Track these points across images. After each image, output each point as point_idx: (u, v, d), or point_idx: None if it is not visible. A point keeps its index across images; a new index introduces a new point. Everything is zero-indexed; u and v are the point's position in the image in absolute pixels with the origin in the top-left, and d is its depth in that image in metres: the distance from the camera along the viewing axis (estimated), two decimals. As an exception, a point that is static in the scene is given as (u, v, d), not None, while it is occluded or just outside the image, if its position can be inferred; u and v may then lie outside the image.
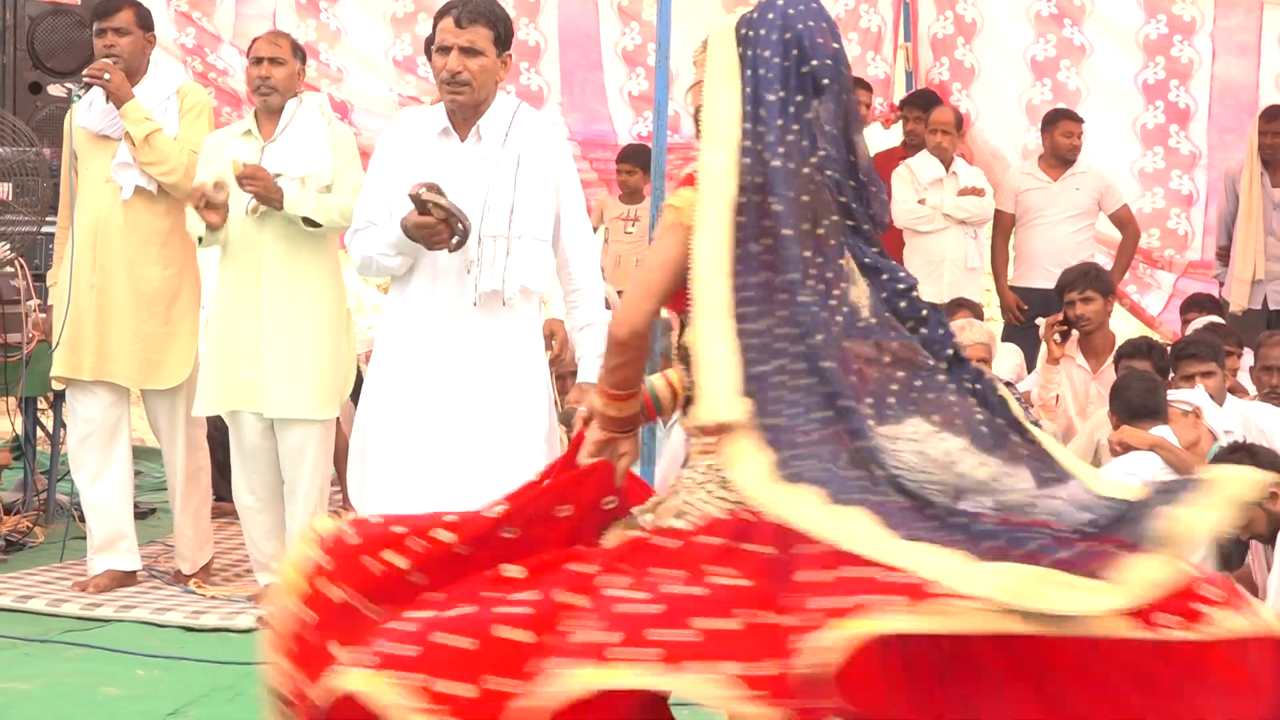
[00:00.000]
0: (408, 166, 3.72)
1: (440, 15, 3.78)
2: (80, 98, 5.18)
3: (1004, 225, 7.03)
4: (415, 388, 3.76)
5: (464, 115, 3.66)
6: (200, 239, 4.97)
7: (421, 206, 3.51)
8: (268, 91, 4.92)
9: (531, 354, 3.86)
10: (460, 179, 3.60)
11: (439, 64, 3.68)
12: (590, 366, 3.76)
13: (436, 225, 3.50)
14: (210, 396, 5.08)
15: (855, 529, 2.17)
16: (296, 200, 4.75)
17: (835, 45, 2.41)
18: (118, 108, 4.93)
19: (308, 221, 4.66)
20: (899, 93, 8.03)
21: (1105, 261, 6.93)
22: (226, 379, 4.99)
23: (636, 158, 6.65)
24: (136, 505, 5.78)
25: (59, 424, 6.16)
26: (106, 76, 4.90)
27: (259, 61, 4.95)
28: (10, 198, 5.69)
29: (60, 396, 5.78)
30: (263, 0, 7.94)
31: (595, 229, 7.26)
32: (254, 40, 5.24)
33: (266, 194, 4.61)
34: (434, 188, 3.55)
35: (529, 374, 3.81)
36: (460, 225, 3.55)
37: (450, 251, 3.62)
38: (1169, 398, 4.75)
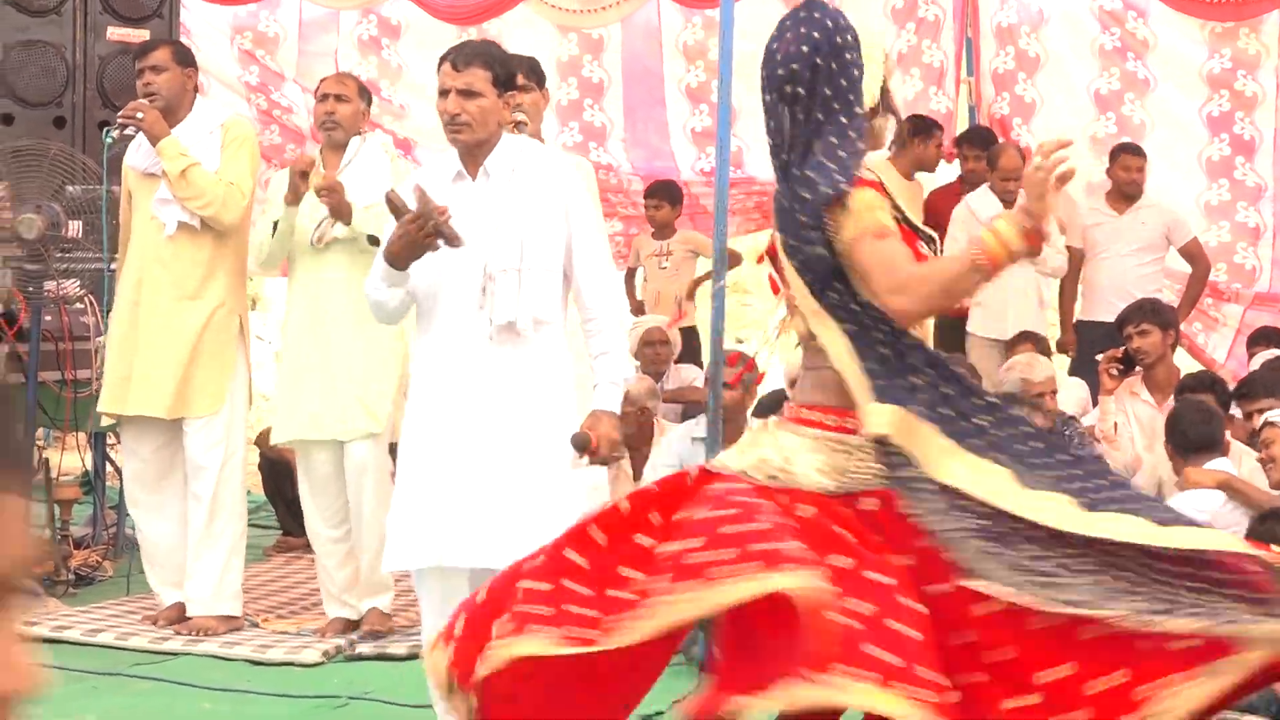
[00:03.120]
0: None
1: (441, 61, 3.95)
2: (114, 139, 5.35)
3: (1074, 261, 7.11)
4: (442, 423, 3.86)
5: (472, 156, 3.79)
6: (275, 224, 5.08)
7: (392, 208, 3.61)
8: (332, 126, 5.11)
9: (551, 382, 3.93)
10: (472, 217, 3.72)
11: (440, 107, 3.84)
12: (606, 394, 3.87)
13: (408, 227, 3.57)
14: (281, 426, 5.32)
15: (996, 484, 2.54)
16: (363, 218, 4.95)
17: None
18: (153, 145, 5.05)
19: (373, 241, 4.81)
20: (961, 127, 8.18)
21: (1175, 298, 7.08)
22: (296, 409, 5.19)
23: (663, 193, 6.80)
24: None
25: (128, 459, 6.23)
26: (140, 115, 5.04)
27: (325, 98, 5.17)
28: (80, 235, 5.82)
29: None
30: (325, 38, 8.25)
31: (635, 268, 7.62)
32: (322, 79, 5.49)
33: (339, 208, 4.81)
34: (402, 193, 3.75)
35: (550, 402, 3.89)
36: (432, 222, 3.59)
37: (450, 245, 3.65)
38: (1271, 417, 4.73)
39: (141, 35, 6.09)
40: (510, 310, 3.69)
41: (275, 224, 5.12)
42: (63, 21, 6.60)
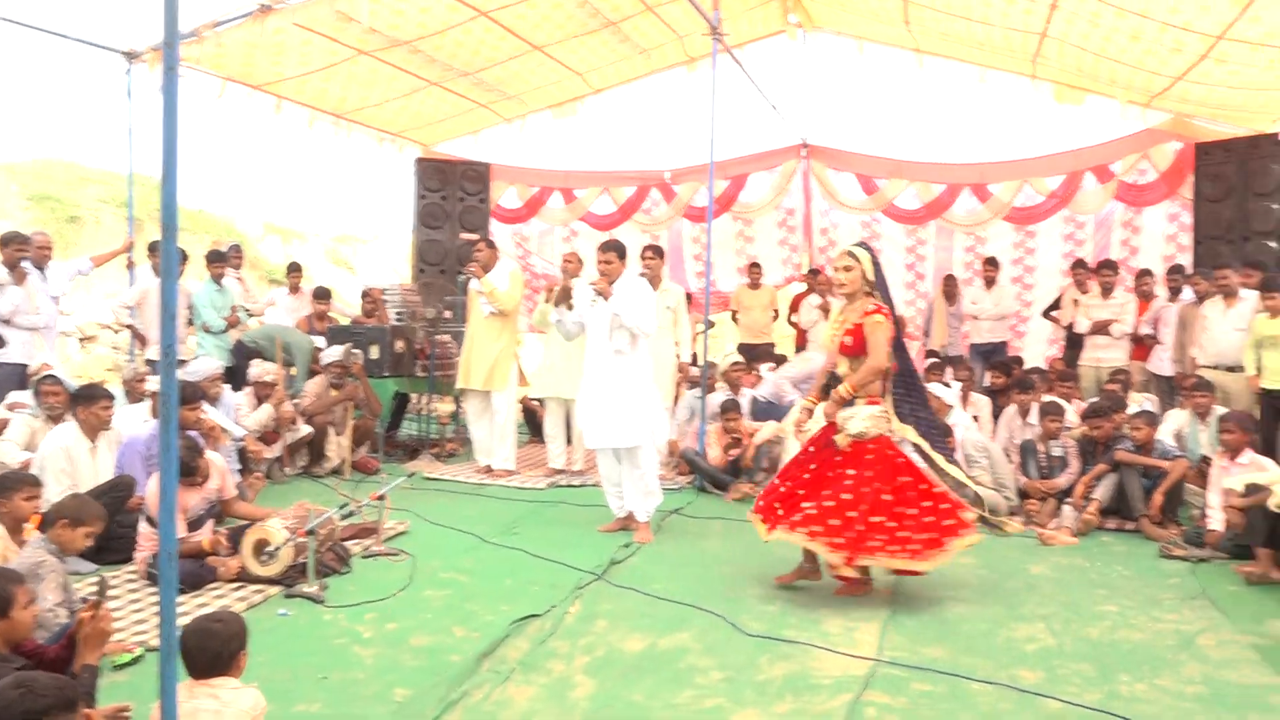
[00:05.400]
0: (586, 300, 6.08)
1: (598, 247, 6.08)
2: (464, 279, 7.96)
3: None
4: (594, 382, 6.03)
5: (611, 281, 5.94)
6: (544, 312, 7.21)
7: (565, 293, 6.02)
8: (572, 273, 7.13)
9: (641, 363, 6.02)
10: (605, 310, 5.93)
11: (597, 265, 5.93)
12: (617, 305, 5.80)
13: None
14: (541, 388, 7.91)
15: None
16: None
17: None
18: (479, 281, 7.65)
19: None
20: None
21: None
22: (551, 385, 7.78)
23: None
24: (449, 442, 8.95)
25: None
26: (472, 269, 7.68)
27: (567, 263, 7.31)
28: (452, 316, 9.16)
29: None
30: (548, 237, 11.97)
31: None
32: (564, 255, 7.71)
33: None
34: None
35: (641, 373, 6.01)
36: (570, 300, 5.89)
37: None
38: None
39: (474, 237, 9.39)
40: (617, 343, 5.99)
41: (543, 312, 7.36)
42: (446, 232, 10.55)
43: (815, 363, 8.05)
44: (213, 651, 2.90)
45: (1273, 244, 9.35)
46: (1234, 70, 8.11)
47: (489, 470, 8.13)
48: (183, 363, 7.86)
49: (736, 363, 8.66)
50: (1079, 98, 9.76)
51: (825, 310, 10.14)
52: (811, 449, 4.86)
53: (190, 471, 5.23)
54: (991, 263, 10.27)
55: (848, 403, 4.73)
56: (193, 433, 5.85)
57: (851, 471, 4.67)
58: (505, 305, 7.73)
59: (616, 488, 6.23)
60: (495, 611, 4.66)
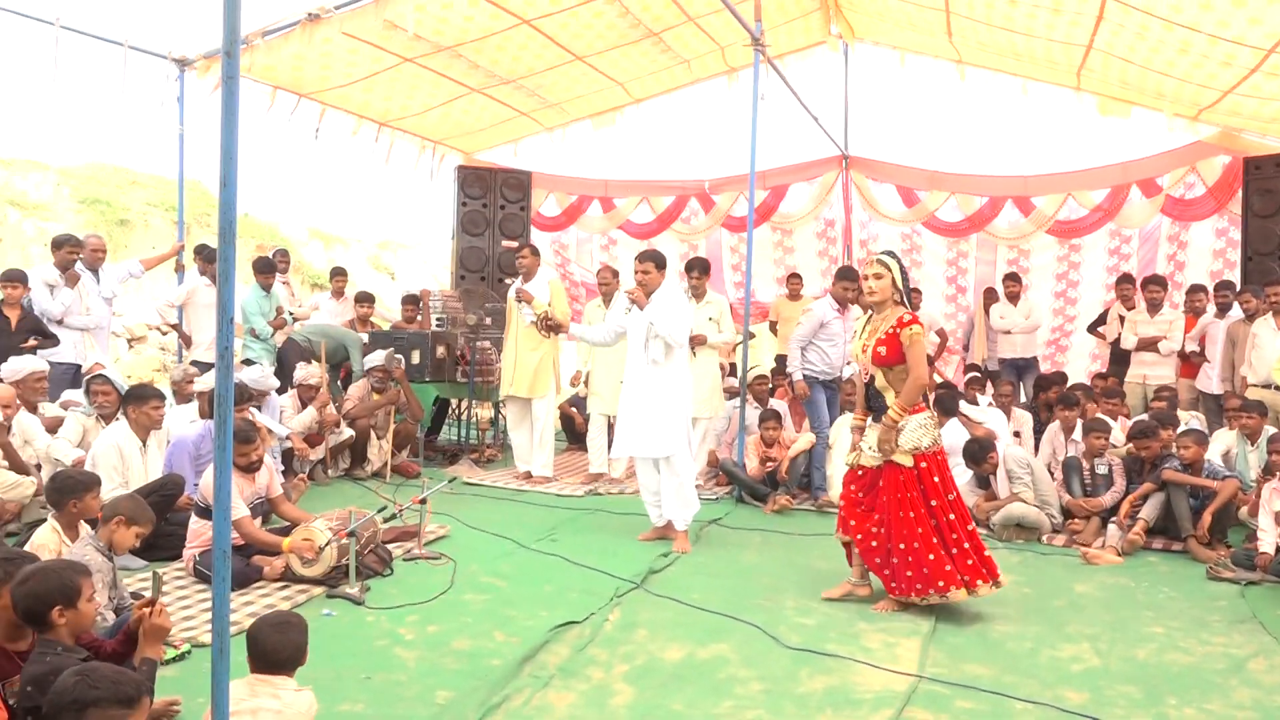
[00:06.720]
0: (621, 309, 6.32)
1: (635, 258, 6.16)
2: (510, 288, 8.28)
3: None
4: (629, 390, 6.13)
5: (648, 292, 6.01)
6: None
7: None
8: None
9: (677, 373, 6.06)
10: (644, 315, 5.95)
11: (634, 275, 6.02)
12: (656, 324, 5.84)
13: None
14: (594, 403, 8.28)
15: None
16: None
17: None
18: (530, 306, 7.76)
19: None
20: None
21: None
22: (600, 399, 8.20)
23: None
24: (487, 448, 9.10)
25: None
26: (518, 282, 7.99)
27: (602, 272, 8.16)
28: (490, 323, 9.33)
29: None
30: (586, 246, 12.16)
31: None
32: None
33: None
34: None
35: (677, 384, 6.05)
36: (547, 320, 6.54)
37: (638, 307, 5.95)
38: None
39: (514, 244, 9.77)
40: (653, 353, 6.08)
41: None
42: (487, 239, 10.78)
43: (815, 314, 7.83)
44: (294, 645, 2.97)
45: (1324, 261, 9.17)
46: (1286, 84, 7.98)
47: (528, 476, 8.20)
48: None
49: (760, 376, 8.63)
50: (1125, 110, 9.66)
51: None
52: (881, 482, 4.87)
53: (249, 440, 5.24)
54: (1013, 278, 10.24)
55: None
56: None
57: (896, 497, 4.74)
58: (563, 320, 7.78)
59: (655, 496, 6.23)
60: (535, 617, 4.70)
